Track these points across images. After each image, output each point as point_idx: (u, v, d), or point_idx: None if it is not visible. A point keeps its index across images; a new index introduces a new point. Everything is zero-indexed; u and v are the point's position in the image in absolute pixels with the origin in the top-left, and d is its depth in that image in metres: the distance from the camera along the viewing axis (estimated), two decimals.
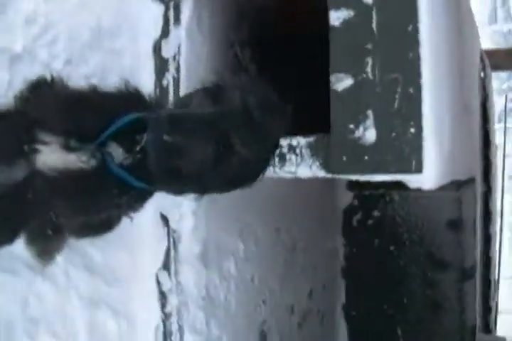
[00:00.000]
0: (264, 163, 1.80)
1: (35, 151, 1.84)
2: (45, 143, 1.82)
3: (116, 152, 1.80)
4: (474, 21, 4.65)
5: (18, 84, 2.29)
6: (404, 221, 5.15)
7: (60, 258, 2.41)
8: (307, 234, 4.53)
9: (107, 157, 1.80)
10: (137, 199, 1.98)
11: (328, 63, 2.48)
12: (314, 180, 2.60)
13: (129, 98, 1.93)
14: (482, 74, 5.17)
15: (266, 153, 1.78)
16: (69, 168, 1.80)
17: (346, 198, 5.42)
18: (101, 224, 2.12)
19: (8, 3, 2.23)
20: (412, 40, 2.26)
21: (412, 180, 2.30)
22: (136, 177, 1.82)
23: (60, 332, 2.38)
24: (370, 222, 5.35)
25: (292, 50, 4.17)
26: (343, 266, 5.40)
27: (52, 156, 1.81)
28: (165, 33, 3.04)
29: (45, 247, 2.28)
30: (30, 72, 2.36)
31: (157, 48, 3.03)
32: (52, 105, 1.87)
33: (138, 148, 1.78)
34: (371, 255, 5.26)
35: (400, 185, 2.45)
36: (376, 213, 5.32)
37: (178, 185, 1.83)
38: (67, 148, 1.80)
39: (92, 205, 1.92)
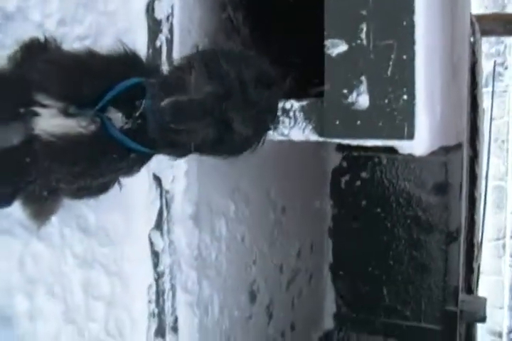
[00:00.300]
0: (262, 136, 1.81)
1: (34, 114, 1.85)
2: (43, 106, 1.82)
3: (116, 117, 1.82)
4: None
5: (11, 44, 2.28)
6: (392, 183, 5.21)
7: (54, 219, 2.45)
8: (296, 195, 4.58)
9: (106, 122, 1.81)
10: (136, 162, 2.00)
11: (322, 26, 2.47)
12: (305, 142, 2.63)
13: (126, 62, 1.93)
14: (472, 39, 5.16)
15: (263, 128, 1.80)
16: (68, 133, 1.81)
17: (335, 159, 5.45)
18: (98, 187, 2.14)
19: None
20: (407, 7, 2.26)
21: (403, 146, 2.33)
22: (136, 141, 1.84)
23: (57, 291, 2.44)
24: (357, 183, 5.40)
25: (285, 11, 4.14)
26: (330, 226, 5.47)
27: (51, 121, 1.82)
28: None
29: (41, 208, 2.31)
30: (23, 31, 2.34)
31: (150, 9, 3.00)
32: (49, 68, 1.86)
33: (137, 114, 1.80)
34: (358, 216, 5.33)
35: (388, 148, 2.48)
36: (364, 175, 5.37)
37: (177, 152, 1.86)
38: (66, 114, 1.81)
39: (92, 170, 1.93)
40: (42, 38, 2.33)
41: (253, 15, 3.84)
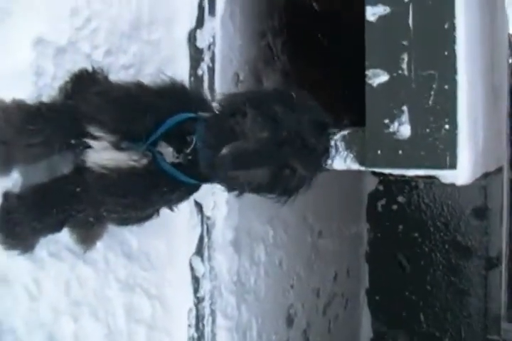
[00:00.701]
0: (316, 175, 1.80)
1: (85, 146, 1.91)
2: (95, 138, 1.88)
3: (167, 151, 1.86)
4: (504, 6, 4.59)
5: (62, 75, 2.35)
6: (429, 207, 5.17)
7: (100, 244, 2.50)
8: (333, 219, 4.59)
9: (158, 156, 1.86)
10: (185, 194, 2.05)
11: (362, 55, 2.49)
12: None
13: (175, 95, 1.97)
14: (510, 61, 5.11)
15: (320, 167, 1.79)
16: (120, 166, 1.86)
17: (371, 183, 5.44)
18: (145, 216, 2.18)
19: None
20: (449, 38, 2.28)
21: (445, 176, 2.33)
22: (187, 175, 1.88)
23: (100, 314, 2.48)
24: (394, 207, 5.38)
25: (325, 39, 4.19)
26: (367, 250, 5.45)
27: (103, 154, 1.87)
28: (200, 23, 3.08)
29: (87, 233, 2.37)
30: (74, 63, 2.41)
31: (192, 38, 3.07)
32: (101, 101, 1.91)
33: (189, 151, 1.84)
34: (395, 241, 5.29)
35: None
36: (401, 199, 5.34)
37: (231, 189, 1.85)
38: (119, 147, 1.86)
39: (142, 202, 1.99)
40: (90, 69, 2.41)
41: (292, 42, 3.90)
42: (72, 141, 1.99)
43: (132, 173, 1.87)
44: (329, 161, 1.83)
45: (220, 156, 1.64)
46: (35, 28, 2.24)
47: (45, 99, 2.26)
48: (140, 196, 1.94)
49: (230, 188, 1.83)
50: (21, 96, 2.11)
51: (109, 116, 1.87)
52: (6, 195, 2.05)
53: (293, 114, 1.66)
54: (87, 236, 2.39)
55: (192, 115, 1.89)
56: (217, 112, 1.87)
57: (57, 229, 2.11)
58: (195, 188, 2.04)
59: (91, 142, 1.89)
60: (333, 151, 2.36)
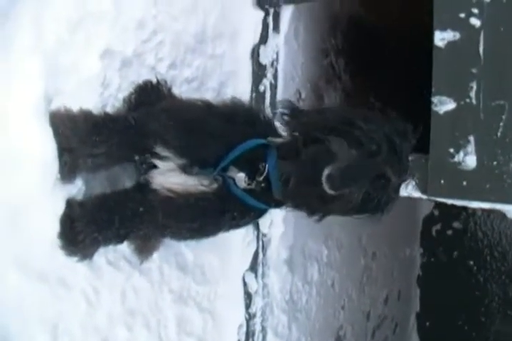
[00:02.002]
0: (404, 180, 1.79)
1: (151, 165, 1.93)
2: (161, 157, 1.89)
3: (238, 177, 1.84)
4: None
5: (127, 87, 2.40)
6: (487, 236, 5.05)
7: (155, 255, 2.53)
8: (387, 242, 4.54)
9: (229, 182, 1.85)
10: (254, 217, 2.02)
11: (426, 81, 2.45)
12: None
13: (245, 120, 1.95)
14: None
15: (407, 172, 1.76)
16: (189, 191, 1.86)
17: (427, 208, 5.36)
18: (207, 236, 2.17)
19: (122, 8, 2.33)
20: None
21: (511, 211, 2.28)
22: (258, 200, 1.87)
23: (152, 324, 2.50)
24: (449, 233, 5.28)
25: (388, 60, 4.17)
26: (419, 274, 5.36)
27: (170, 178, 1.88)
28: (263, 39, 3.11)
29: (145, 245, 2.40)
30: (138, 75, 2.46)
31: (255, 54, 3.09)
32: (169, 120, 1.90)
33: (261, 178, 1.82)
34: (449, 267, 5.19)
35: None
36: (457, 224, 5.24)
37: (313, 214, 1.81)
38: (189, 172, 1.85)
39: (210, 227, 1.98)
40: (154, 81, 2.45)
41: (355, 62, 3.90)
42: (136, 157, 2.01)
43: (201, 198, 1.86)
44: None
45: (327, 177, 1.60)
46: (103, 40, 2.28)
47: (109, 109, 2.31)
48: (208, 221, 1.93)
49: (310, 213, 1.79)
50: (87, 105, 2.15)
51: (178, 138, 1.86)
52: (70, 202, 2.07)
53: (376, 127, 1.64)
54: (145, 247, 2.42)
55: (263, 141, 1.86)
56: (289, 139, 1.83)
57: (118, 242, 2.12)
58: (264, 212, 2.00)
59: (157, 162, 1.90)
60: None
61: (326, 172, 1.60)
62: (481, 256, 5.00)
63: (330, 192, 1.61)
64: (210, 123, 1.89)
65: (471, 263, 5.04)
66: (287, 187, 1.74)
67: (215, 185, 1.86)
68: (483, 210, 4.94)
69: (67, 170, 2.03)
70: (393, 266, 4.77)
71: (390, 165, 1.63)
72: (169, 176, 1.88)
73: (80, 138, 1.97)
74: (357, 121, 1.66)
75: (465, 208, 5.14)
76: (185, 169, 1.86)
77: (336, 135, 1.66)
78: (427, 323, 5.26)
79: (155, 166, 1.93)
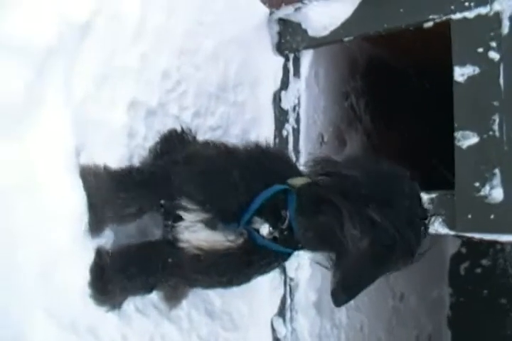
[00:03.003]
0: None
1: (177, 218, 1.93)
2: (187, 210, 1.89)
3: (262, 227, 1.84)
4: None
5: (153, 136, 2.44)
6: None
7: (184, 303, 2.51)
8: (415, 282, 4.46)
9: (254, 234, 1.85)
10: (280, 262, 2.02)
11: (448, 116, 2.47)
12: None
13: (264, 165, 1.95)
14: None
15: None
16: (216, 247, 1.86)
17: (454, 245, 5.28)
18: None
19: (147, 61, 2.39)
20: None
21: None
22: (285, 246, 1.86)
23: None
24: (478, 270, 5.18)
25: (408, 99, 4.20)
26: (449, 315, 5.24)
27: (197, 235, 1.89)
28: (285, 84, 3.17)
29: (173, 292, 2.39)
30: (163, 125, 2.50)
31: (277, 99, 3.15)
32: (190, 174, 1.92)
33: (285, 226, 1.81)
34: (480, 306, 5.07)
35: None
36: (485, 262, 5.15)
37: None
38: (213, 228, 1.86)
39: (239, 278, 1.99)
40: (179, 129, 2.48)
41: (375, 103, 3.93)
42: (162, 209, 2.03)
43: (229, 254, 1.86)
44: None
45: (332, 291, 1.63)
46: (129, 92, 2.34)
47: (136, 159, 2.34)
48: (237, 274, 1.94)
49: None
50: (115, 157, 2.21)
51: (200, 192, 1.87)
52: (99, 252, 2.09)
53: (392, 215, 1.58)
54: (173, 295, 2.41)
55: (283, 187, 1.86)
56: (308, 183, 1.83)
57: (147, 291, 2.13)
58: (289, 255, 1.99)
59: (183, 214, 1.90)
60: None
61: (332, 284, 1.65)
62: None
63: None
64: (230, 174, 1.88)
65: (503, 301, 4.92)
66: (305, 238, 1.77)
67: (240, 240, 1.86)
68: (511, 244, 4.86)
69: (95, 226, 2.07)
70: (422, 307, 4.67)
71: (400, 260, 1.63)
72: (196, 231, 1.89)
73: (105, 196, 2.00)
74: (372, 210, 1.60)
75: (493, 245, 5.07)
76: (209, 224, 1.86)
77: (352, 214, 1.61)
78: None
79: (181, 218, 1.93)
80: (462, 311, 5.15)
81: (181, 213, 1.91)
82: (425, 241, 1.69)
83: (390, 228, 1.57)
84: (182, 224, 1.92)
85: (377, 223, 1.58)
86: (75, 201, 1.99)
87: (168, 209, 1.99)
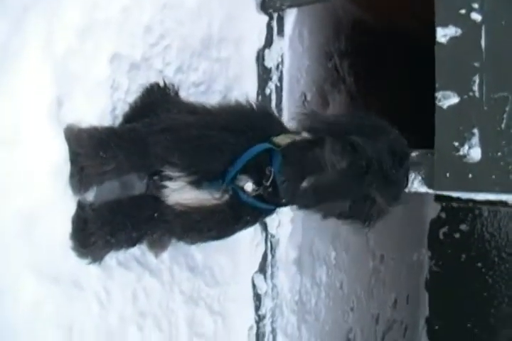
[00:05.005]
0: (394, 206, 1.77)
1: (161, 183, 1.95)
2: (170, 178, 1.92)
3: (246, 184, 1.88)
4: None
5: (136, 89, 2.43)
6: (494, 237, 5.05)
7: (166, 257, 2.54)
8: (394, 245, 4.54)
9: (239, 191, 1.89)
10: (263, 217, 2.10)
11: (430, 78, 2.48)
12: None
13: (247, 124, 1.97)
14: None
15: (397, 199, 1.76)
16: (203, 204, 1.90)
17: (433, 210, 5.37)
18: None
19: (129, 14, 2.36)
20: None
21: None
22: (267, 203, 1.91)
23: (164, 325, 2.50)
24: (457, 235, 5.27)
25: (391, 60, 4.21)
26: (427, 278, 5.35)
27: (184, 195, 1.91)
28: (268, 42, 3.15)
29: (158, 241, 2.41)
30: (146, 78, 2.49)
31: (260, 57, 3.13)
32: (171, 143, 1.92)
33: (268, 183, 1.85)
34: (457, 270, 5.18)
35: (490, 200, 2.41)
36: (464, 227, 5.24)
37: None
38: (199, 187, 1.89)
39: (226, 232, 2.04)
40: (162, 84, 2.47)
41: (358, 64, 3.93)
42: (145, 178, 2.08)
43: (215, 210, 1.91)
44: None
45: (301, 189, 1.65)
46: (111, 45, 2.31)
47: (119, 112, 2.33)
48: (224, 228, 2.00)
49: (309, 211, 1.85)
50: (97, 109, 2.20)
51: (184, 158, 1.89)
52: (81, 204, 2.09)
53: (372, 144, 1.64)
54: (158, 243, 2.43)
55: (268, 146, 1.88)
56: (292, 141, 1.87)
57: (130, 245, 2.13)
58: (273, 211, 2.05)
59: (168, 183, 1.93)
60: None
61: (303, 184, 1.66)
62: (489, 258, 4.99)
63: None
64: (211, 137, 1.91)
65: (479, 265, 5.03)
66: (287, 190, 1.80)
67: (226, 197, 1.90)
68: (489, 209, 4.94)
69: (79, 185, 2.06)
70: (401, 270, 4.76)
71: (378, 189, 1.64)
72: (182, 193, 1.92)
73: (86, 155, 2.00)
74: (357, 134, 1.67)
75: (472, 210, 5.14)
76: (195, 184, 1.89)
77: (334, 144, 1.67)
78: (437, 327, 5.24)
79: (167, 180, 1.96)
80: (440, 274, 5.26)
81: (167, 183, 1.93)
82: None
83: (368, 151, 1.62)
84: (168, 187, 1.94)
85: (358, 148, 1.62)
86: (57, 153, 1.98)
87: (152, 179, 2.03)
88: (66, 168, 2.01)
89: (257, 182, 1.88)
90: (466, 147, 2.32)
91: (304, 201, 1.81)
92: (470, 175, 2.31)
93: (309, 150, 1.74)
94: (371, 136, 1.67)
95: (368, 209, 1.70)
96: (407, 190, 2.39)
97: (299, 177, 1.72)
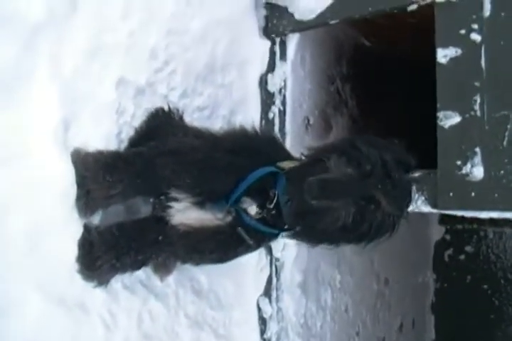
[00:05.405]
0: (400, 217, 1.74)
1: (166, 204, 1.97)
2: (176, 199, 1.94)
3: (250, 207, 1.90)
4: None
5: (141, 114, 2.46)
6: (500, 258, 5.01)
7: (171, 280, 2.54)
8: (399, 267, 4.51)
9: (242, 213, 1.90)
10: (266, 242, 2.08)
11: (431, 98, 2.52)
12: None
13: (252, 149, 1.99)
14: None
15: (404, 207, 1.75)
16: (206, 225, 1.92)
17: (438, 232, 5.34)
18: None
19: (136, 39, 2.41)
20: None
21: None
22: (271, 227, 1.91)
23: None
24: (462, 257, 5.24)
25: (393, 83, 4.24)
26: (433, 301, 5.30)
27: (187, 214, 1.93)
28: (271, 67, 3.19)
29: (163, 265, 2.41)
30: (151, 103, 2.52)
31: (263, 82, 3.16)
32: (177, 166, 1.95)
33: (272, 205, 1.86)
34: (463, 292, 5.13)
35: (495, 221, 2.40)
36: (469, 249, 5.21)
37: (313, 240, 1.86)
38: (203, 208, 1.91)
39: (228, 255, 2.05)
40: (166, 108, 2.50)
41: (360, 88, 3.97)
42: (151, 199, 2.10)
43: (218, 231, 1.92)
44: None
45: (307, 183, 1.62)
46: (118, 68, 2.35)
47: (124, 136, 2.36)
48: (226, 251, 2.00)
49: (310, 238, 1.85)
50: (103, 132, 2.23)
51: (190, 181, 1.91)
52: (87, 227, 2.11)
53: (376, 151, 1.65)
54: (163, 266, 2.43)
55: (272, 169, 1.90)
56: (297, 162, 1.89)
57: (136, 268, 2.16)
58: (277, 236, 2.03)
59: (173, 204, 1.95)
60: None
61: (309, 178, 1.63)
62: (495, 280, 4.95)
63: (309, 200, 1.63)
64: (217, 160, 1.93)
65: (485, 287, 4.99)
66: (291, 209, 1.80)
67: (229, 218, 1.91)
68: (494, 230, 4.92)
69: (85, 208, 2.08)
70: (406, 293, 4.73)
71: (382, 190, 1.62)
72: (186, 213, 1.94)
73: (92, 178, 2.02)
74: (359, 144, 1.69)
75: (477, 232, 5.12)
76: (199, 204, 1.91)
77: (337, 155, 1.69)
78: None
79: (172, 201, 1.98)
80: (446, 297, 5.21)
81: (172, 204, 1.95)
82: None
83: (373, 156, 1.63)
84: (172, 208, 1.96)
85: (363, 150, 1.65)
86: (63, 173, 2.00)
87: (157, 200, 2.04)
88: (73, 190, 2.03)
89: (261, 206, 1.89)
90: (469, 166, 2.33)
91: (308, 219, 1.77)
92: (473, 194, 2.32)
93: (313, 166, 1.75)
94: (374, 145, 1.68)
95: (373, 215, 1.66)
96: (410, 209, 2.40)
97: (302, 194, 1.68)
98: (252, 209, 1.90)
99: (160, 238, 2.02)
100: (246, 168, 1.91)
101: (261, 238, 1.99)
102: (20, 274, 1.95)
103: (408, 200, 1.76)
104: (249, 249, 2.03)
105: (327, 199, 1.63)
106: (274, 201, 1.86)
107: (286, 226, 1.92)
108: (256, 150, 1.99)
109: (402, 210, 1.72)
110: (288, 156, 2.03)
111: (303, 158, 1.90)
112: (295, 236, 1.93)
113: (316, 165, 1.73)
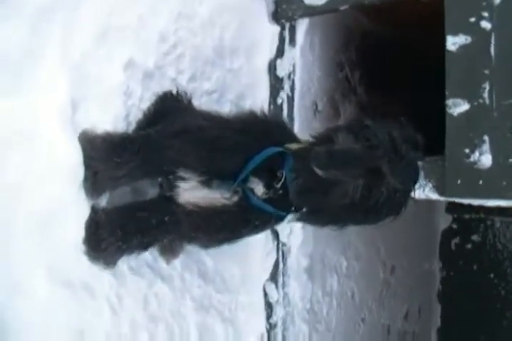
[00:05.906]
0: (407, 195, 1.75)
1: (173, 183, 1.98)
2: (183, 178, 1.95)
3: (257, 186, 1.90)
4: None
5: (149, 97, 2.46)
6: (506, 248, 5.00)
7: (177, 264, 2.55)
8: (405, 256, 4.51)
9: (248, 193, 1.90)
10: (273, 224, 2.08)
11: (440, 86, 2.50)
12: (415, 202, 2.59)
13: (260, 129, 2.00)
14: None
15: (411, 183, 1.75)
16: (213, 204, 1.91)
17: (445, 221, 5.33)
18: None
19: (145, 22, 2.41)
20: None
21: None
22: (276, 207, 1.91)
23: (175, 331, 2.51)
24: (468, 246, 5.23)
25: (402, 71, 4.22)
26: (439, 289, 5.30)
27: (194, 193, 1.93)
28: (280, 52, 3.17)
29: (169, 247, 2.43)
30: (160, 86, 2.52)
31: (272, 67, 3.16)
32: (185, 145, 1.95)
33: (279, 185, 1.87)
34: (469, 281, 5.13)
35: (503, 210, 2.40)
36: (475, 238, 5.19)
37: (321, 221, 1.88)
38: (210, 187, 1.91)
39: (234, 236, 2.04)
40: (175, 92, 2.50)
41: (369, 74, 3.94)
42: (159, 178, 2.09)
43: (224, 211, 1.92)
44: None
45: (313, 151, 1.63)
46: (126, 51, 2.36)
47: (132, 118, 2.37)
48: (232, 231, 1.99)
49: (317, 218, 1.86)
50: (111, 114, 2.23)
51: (198, 160, 1.92)
52: (94, 208, 2.12)
53: (384, 129, 1.65)
54: (170, 249, 2.45)
55: (280, 149, 1.91)
56: (305, 143, 1.89)
57: (142, 250, 2.17)
58: (283, 218, 2.03)
59: (180, 183, 1.96)
60: None
61: (316, 148, 1.64)
62: (501, 269, 4.94)
63: (317, 171, 1.63)
64: (225, 139, 1.94)
65: (492, 275, 4.98)
66: (298, 186, 1.80)
67: (235, 198, 1.91)
68: (501, 220, 4.91)
69: (92, 189, 2.10)
70: (412, 281, 4.73)
71: (388, 162, 1.61)
72: (193, 192, 1.94)
73: (100, 159, 2.04)
74: (367, 123, 1.70)
75: (484, 221, 5.11)
76: (207, 184, 1.92)
77: (345, 133, 1.70)
78: (449, 338, 5.18)
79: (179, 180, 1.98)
80: (452, 285, 5.21)
81: (180, 183, 1.96)
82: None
83: (380, 132, 1.64)
84: (180, 187, 1.97)
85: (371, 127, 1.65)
86: (71, 154, 2.01)
87: (165, 179, 2.05)
88: (81, 171, 2.04)
89: (268, 186, 1.90)
90: (477, 153, 2.33)
91: (315, 197, 1.78)
92: (481, 182, 2.32)
93: (321, 144, 1.75)
94: (384, 125, 1.69)
95: (379, 189, 1.66)
96: (418, 196, 2.40)
97: (309, 172, 1.70)
98: (259, 189, 1.90)
99: (166, 218, 2.02)
100: (254, 148, 1.92)
101: (266, 219, 1.99)
102: (26, 255, 1.97)
103: (415, 178, 1.76)
104: (255, 229, 2.03)
105: (333, 169, 1.63)
106: (282, 181, 1.86)
107: (292, 208, 1.92)
108: (264, 132, 2.00)
109: (409, 186, 1.73)
110: (295, 140, 2.03)
111: (311, 138, 1.90)
112: (301, 217, 1.93)
113: (324, 143, 1.73)
